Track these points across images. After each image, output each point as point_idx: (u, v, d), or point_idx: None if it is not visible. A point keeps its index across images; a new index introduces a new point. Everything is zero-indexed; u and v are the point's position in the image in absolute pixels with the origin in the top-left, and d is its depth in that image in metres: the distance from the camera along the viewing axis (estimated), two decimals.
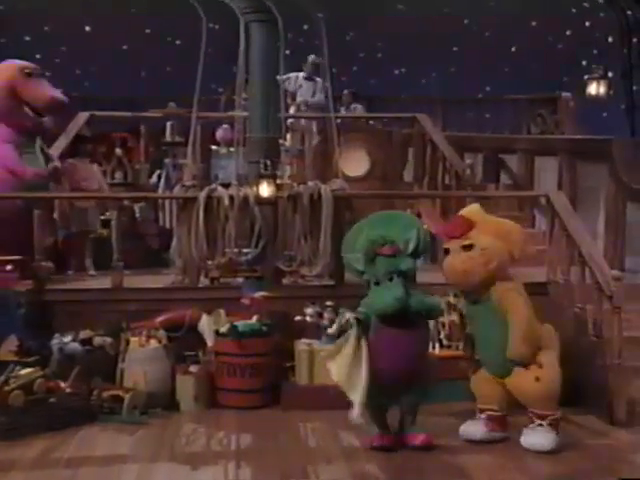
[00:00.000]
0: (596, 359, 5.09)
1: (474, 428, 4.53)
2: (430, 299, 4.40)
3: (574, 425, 4.81)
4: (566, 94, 8.46)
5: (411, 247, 4.35)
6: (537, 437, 4.35)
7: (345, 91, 9.97)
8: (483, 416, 4.55)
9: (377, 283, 4.30)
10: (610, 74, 9.80)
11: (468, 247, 4.47)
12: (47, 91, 6.14)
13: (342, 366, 4.19)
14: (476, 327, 4.60)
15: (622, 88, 10.21)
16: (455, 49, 11.44)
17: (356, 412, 4.13)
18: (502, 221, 4.72)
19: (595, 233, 6.66)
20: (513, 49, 10.88)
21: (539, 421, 4.37)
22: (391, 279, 4.26)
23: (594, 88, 9.39)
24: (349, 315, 4.26)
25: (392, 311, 4.23)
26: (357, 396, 4.12)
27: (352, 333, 4.19)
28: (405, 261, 4.33)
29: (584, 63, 10.36)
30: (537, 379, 4.36)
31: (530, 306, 4.46)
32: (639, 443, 4.56)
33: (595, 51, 10.40)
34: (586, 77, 8.92)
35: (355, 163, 8.10)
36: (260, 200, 5.68)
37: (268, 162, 5.71)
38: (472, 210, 4.67)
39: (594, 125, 8.81)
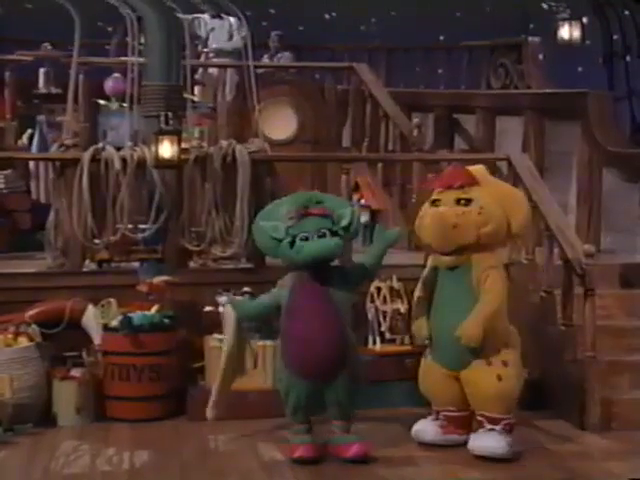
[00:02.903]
0: (566, 352, 5.25)
1: (428, 428, 4.65)
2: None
3: (538, 430, 4.96)
4: (533, 39, 8.63)
5: (344, 222, 4.48)
6: (488, 440, 4.47)
7: (273, 34, 9.90)
8: (440, 417, 4.67)
9: (305, 239, 4.39)
10: (584, 20, 10.05)
11: (465, 202, 4.55)
12: None
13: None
14: (439, 298, 4.64)
15: (599, 37, 10.48)
16: None
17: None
18: (509, 188, 4.83)
19: (566, 207, 6.86)
20: None
21: (490, 426, 4.50)
22: (323, 235, 4.38)
23: (566, 31, 9.58)
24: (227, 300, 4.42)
25: (329, 255, 4.39)
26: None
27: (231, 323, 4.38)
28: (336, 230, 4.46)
29: (552, 4, 10.56)
30: (500, 378, 4.48)
31: (506, 294, 4.56)
32: (614, 450, 4.74)
33: None
34: (558, 17, 9.09)
35: (280, 124, 8.09)
36: (160, 163, 5.61)
37: (170, 115, 5.63)
38: (477, 169, 4.76)
39: (567, 80, 9.01)
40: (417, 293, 4.78)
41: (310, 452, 4.39)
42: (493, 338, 4.50)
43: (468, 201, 4.55)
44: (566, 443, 4.81)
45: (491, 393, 4.48)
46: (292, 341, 4.43)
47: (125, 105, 6.75)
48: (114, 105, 7.46)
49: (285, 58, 9.93)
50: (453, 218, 4.51)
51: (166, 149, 5.59)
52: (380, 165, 7.66)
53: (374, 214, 7.31)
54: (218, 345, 5.26)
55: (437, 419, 4.68)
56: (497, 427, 4.48)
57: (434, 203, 4.65)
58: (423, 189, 4.95)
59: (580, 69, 10.71)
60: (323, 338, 4.35)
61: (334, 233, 4.42)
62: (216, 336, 5.37)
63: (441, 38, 11.39)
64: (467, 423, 4.66)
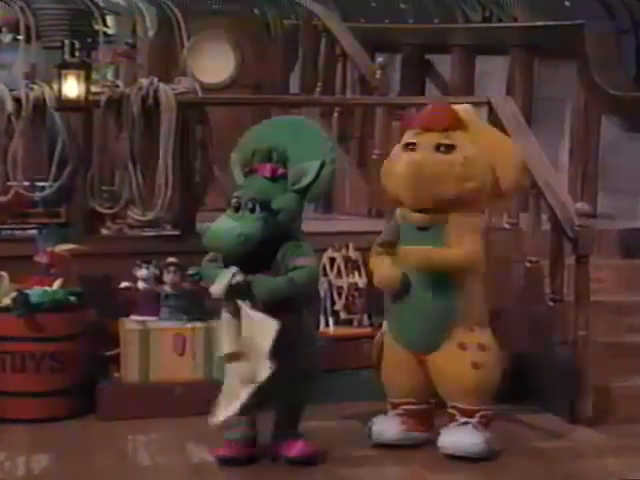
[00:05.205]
0: (554, 332, 5.33)
1: (387, 425, 4.69)
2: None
3: (521, 425, 5.06)
4: None
5: (304, 182, 4.41)
6: (461, 435, 4.52)
7: None
8: (398, 411, 4.70)
9: (237, 209, 4.33)
10: None
11: (447, 148, 4.52)
12: None
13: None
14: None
15: None
16: None
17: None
18: (500, 136, 4.82)
19: (557, 165, 6.93)
20: None
21: (465, 419, 4.56)
22: (252, 210, 4.31)
23: None
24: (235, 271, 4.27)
25: (222, 248, 4.27)
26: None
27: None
28: (284, 197, 4.36)
29: None
30: (476, 366, 4.52)
31: (482, 264, 4.60)
32: (610, 446, 4.84)
33: None
34: None
35: (214, 64, 8.05)
36: (64, 105, 5.56)
37: (76, 45, 5.59)
38: (465, 108, 4.73)
39: (560, 12, 9.04)
40: (377, 248, 4.72)
41: (234, 450, 4.40)
42: (467, 315, 4.55)
43: (450, 147, 4.53)
44: (554, 439, 4.90)
45: (466, 384, 4.51)
46: None
47: (20, 37, 6.68)
48: (6, 37, 7.37)
49: None
50: (431, 167, 4.48)
51: (71, 87, 5.53)
52: (335, 115, 7.66)
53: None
54: (137, 328, 5.28)
55: (399, 414, 4.70)
56: (472, 420, 4.53)
57: (408, 147, 4.60)
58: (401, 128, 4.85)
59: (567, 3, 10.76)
60: None
61: (266, 208, 4.29)
62: (134, 317, 5.38)
63: None
64: (428, 419, 4.71)
